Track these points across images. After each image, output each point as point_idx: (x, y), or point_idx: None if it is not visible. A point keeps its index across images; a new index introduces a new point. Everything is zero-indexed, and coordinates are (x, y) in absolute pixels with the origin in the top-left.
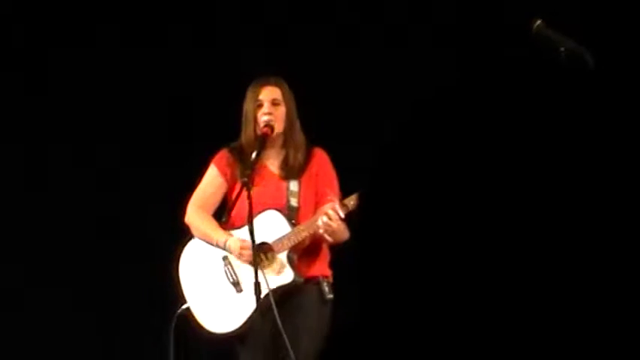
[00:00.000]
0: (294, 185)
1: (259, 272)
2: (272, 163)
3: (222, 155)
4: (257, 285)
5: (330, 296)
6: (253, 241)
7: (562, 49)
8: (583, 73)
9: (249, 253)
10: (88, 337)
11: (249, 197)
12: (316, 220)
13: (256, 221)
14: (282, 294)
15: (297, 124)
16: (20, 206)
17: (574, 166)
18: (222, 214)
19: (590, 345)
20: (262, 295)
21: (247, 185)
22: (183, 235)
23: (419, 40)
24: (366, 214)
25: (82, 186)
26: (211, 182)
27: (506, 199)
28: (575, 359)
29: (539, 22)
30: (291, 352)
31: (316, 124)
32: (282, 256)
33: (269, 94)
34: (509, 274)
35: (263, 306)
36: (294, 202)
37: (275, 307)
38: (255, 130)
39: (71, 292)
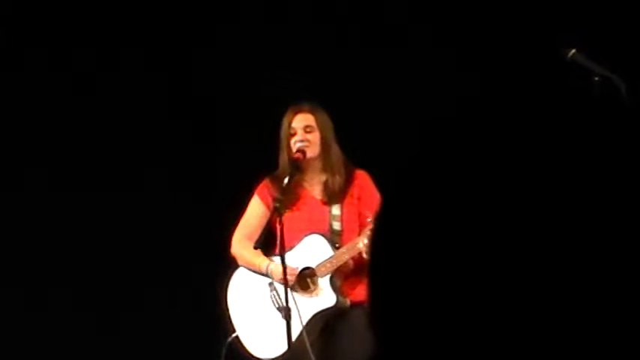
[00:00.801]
0: (336, 209)
1: (302, 298)
2: (313, 188)
3: (265, 185)
4: (288, 311)
5: None
6: (284, 266)
7: (596, 78)
8: (615, 105)
9: (290, 277)
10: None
11: (280, 222)
12: (357, 243)
13: (300, 246)
14: (328, 318)
15: (335, 148)
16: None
17: (597, 197)
18: (269, 244)
19: (601, 347)
20: (304, 321)
21: (279, 211)
22: (229, 265)
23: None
24: (379, 240)
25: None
26: (254, 212)
27: (526, 230)
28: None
29: (574, 50)
30: None
31: (359, 144)
32: (325, 280)
33: (302, 121)
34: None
35: (310, 332)
36: (336, 225)
37: (306, 337)
38: (288, 157)
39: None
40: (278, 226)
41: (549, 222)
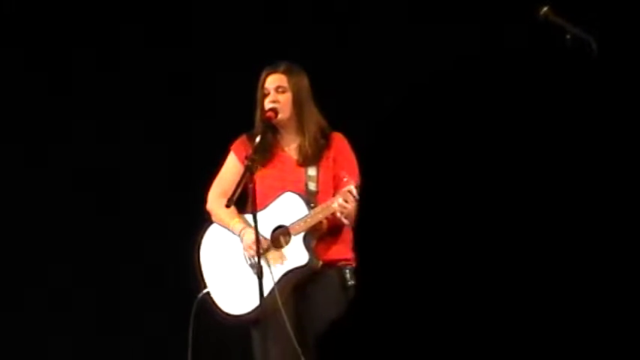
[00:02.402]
0: (312, 170)
1: (274, 256)
2: (289, 148)
3: (241, 142)
4: (259, 269)
5: (352, 282)
6: (256, 224)
7: (568, 35)
8: (587, 63)
9: (263, 243)
10: (108, 321)
11: (251, 181)
12: (332, 202)
13: (275, 204)
14: (301, 278)
15: (310, 110)
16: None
17: (573, 158)
18: (243, 201)
19: (591, 345)
20: (275, 279)
21: (250, 169)
22: (204, 221)
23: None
24: (364, 197)
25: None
26: (231, 169)
27: (504, 193)
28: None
29: (545, 8)
30: (296, 343)
31: (336, 107)
32: (299, 239)
33: (274, 81)
34: (509, 266)
35: (281, 290)
36: (312, 186)
37: (278, 296)
38: (260, 117)
39: (95, 288)
40: (250, 185)
41: (522, 190)
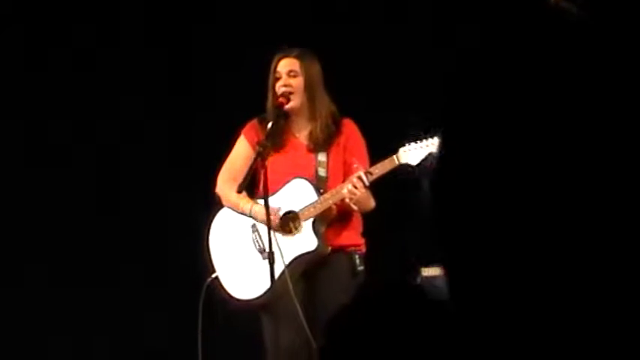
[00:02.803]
0: (322, 156)
1: (283, 241)
2: (300, 134)
3: (252, 126)
4: (271, 254)
5: (361, 268)
6: (267, 210)
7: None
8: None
9: (274, 218)
10: (115, 309)
11: (263, 166)
12: (342, 188)
13: (285, 189)
14: (311, 263)
15: (321, 96)
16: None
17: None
18: (253, 184)
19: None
20: (284, 264)
21: (262, 155)
22: (214, 206)
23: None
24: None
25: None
26: (241, 153)
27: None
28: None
29: None
30: (307, 329)
31: (346, 93)
32: (308, 224)
33: (286, 65)
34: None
35: (291, 275)
36: (322, 172)
37: (289, 279)
38: (272, 102)
39: (96, 264)
40: (261, 170)
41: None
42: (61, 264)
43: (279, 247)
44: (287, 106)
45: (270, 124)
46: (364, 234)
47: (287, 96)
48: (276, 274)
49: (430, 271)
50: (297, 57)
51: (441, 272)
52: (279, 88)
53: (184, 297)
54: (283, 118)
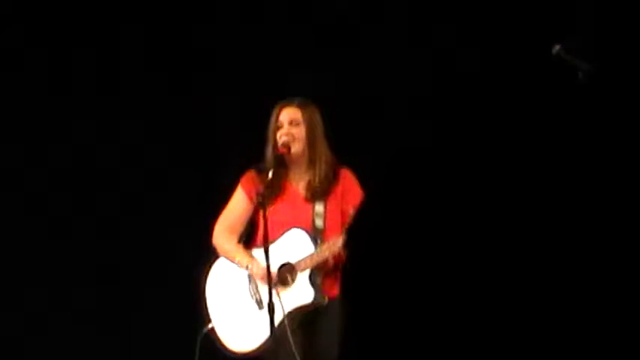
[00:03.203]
0: (319, 206)
1: (281, 293)
2: (298, 184)
3: (249, 177)
4: (271, 306)
5: None
6: (268, 260)
7: (580, 73)
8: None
9: (273, 275)
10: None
11: (264, 217)
12: (339, 240)
13: (282, 240)
14: (307, 314)
15: (321, 145)
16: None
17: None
18: (250, 235)
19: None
20: (280, 316)
21: (262, 205)
22: (211, 256)
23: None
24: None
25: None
26: (238, 203)
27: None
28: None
29: (558, 46)
30: None
31: (344, 143)
32: (305, 276)
33: (288, 114)
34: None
35: (287, 326)
36: (319, 223)
37: (289, 332)
38: (273, 151)
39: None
40: (262, 220)
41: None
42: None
43: (278, 299)
44: (288, 155)
45: (270, 174)
46: None
47: (288, 145)
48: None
49: None
50: (298, 106)
51: None
52: (281, 137)
53: (180, 345)
54: (283, 167)
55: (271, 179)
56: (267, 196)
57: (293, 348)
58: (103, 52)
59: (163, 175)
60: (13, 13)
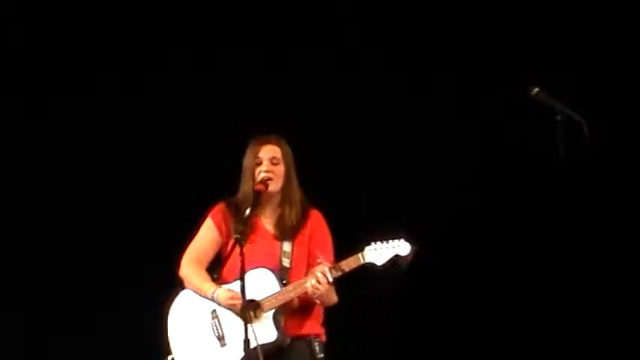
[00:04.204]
0: (287, 246)
1: (243, 329)
2: (267, 221)
3: (219, 209)
4: (247, 342)
5: (321, 356)
6: (244, 296)
7: (558, 116)
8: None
9: (237, 303)
10: None
11: (241, 254)
12: (305, 282)
13: (247, 277)
14: (272, 352)
15: (295, 184)
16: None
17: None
18: (216, 269)
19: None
20: (242, 354)
21: (240, 242)
22: (176, 287)
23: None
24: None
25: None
26: (206, 236)
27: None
28: None
29: (537, 89)
30: None
31: (314, 183)
32: (269, 315)
33: (269, 152)
34: None
35: None
36: (286, 262)
37: None
38: (252, 187)
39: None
40: (239, 258)
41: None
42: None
43: (254, 334)
44: (268, 190)
45: (248, 211)
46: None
47: (266, 183)
48: None
49: None
50: (278, 144)
51: None
52: (260, 174)
53: None
54: (258, 204)
55: (249, 216)
56: (244, 232)
57: None
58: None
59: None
60: None
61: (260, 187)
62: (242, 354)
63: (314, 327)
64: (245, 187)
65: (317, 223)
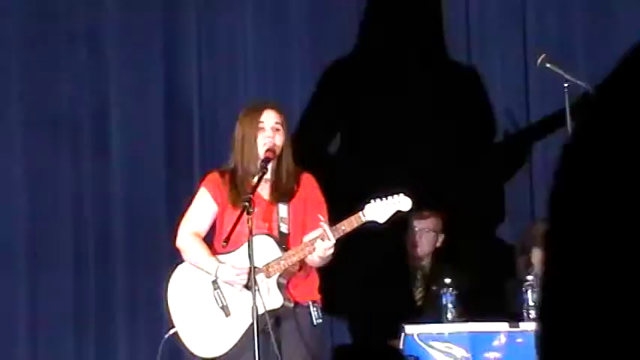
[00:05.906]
0: (283, 211)
1: (247, 297)
2: (262, 187)
3: (213, 178)
4: (255, 309)
5: (320, 320)
6: (252, 263)
7: (565, 83)
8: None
9: (244, 277)
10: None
11: (249, 221)
12: (307, 245)
13: (247, 245)
14: (274, 318)
15: (290, 149)
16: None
17: None
18: (211, 237)
19: None
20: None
21: (248, 209)
22: (175, 258)
23: None
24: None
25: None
26: (202, 205)
27: None
28: None
29: (543, 55)
30: None
31: (304, 147)
32: (272, 281)
33: (271, 118)
34: None
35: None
36: (284, 227)
37: (272, 331)
38: (255, 154)
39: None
40: (247, 226)
41: None
42: None
43: (261, 299)
44: (274, 159)
45: (256, 178)
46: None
47: (274, 149)
48: (240, 331)
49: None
50: (278, 110)
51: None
52: (267, 140)
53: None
54: (266, 171)
55: (257, 183)
56: (252, 199)
57: (275, 347)
58: None
59: None
60: None
61: (269, 154)
62: (248, 322)
63: (312, 293)
64: (246, 155)
65: (310, 186)
